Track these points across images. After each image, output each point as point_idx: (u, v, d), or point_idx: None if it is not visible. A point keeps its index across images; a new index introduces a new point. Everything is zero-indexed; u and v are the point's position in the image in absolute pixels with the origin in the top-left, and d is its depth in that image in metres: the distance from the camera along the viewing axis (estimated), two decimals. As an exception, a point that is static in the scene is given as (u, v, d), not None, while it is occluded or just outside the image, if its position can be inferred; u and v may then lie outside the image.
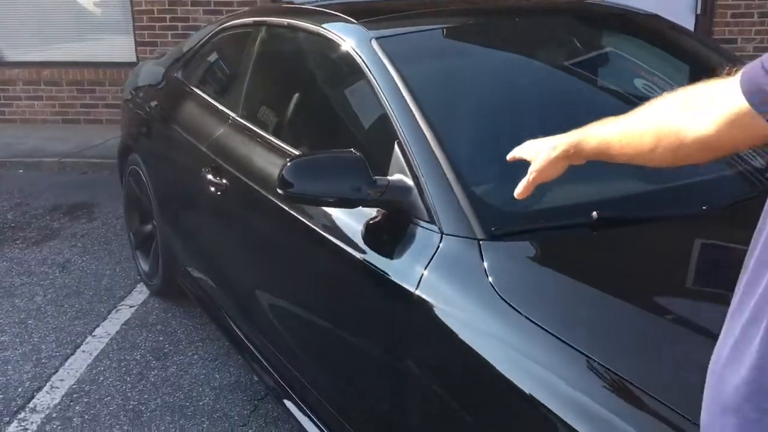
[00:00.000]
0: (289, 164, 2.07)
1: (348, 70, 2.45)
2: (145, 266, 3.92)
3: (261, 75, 2.96)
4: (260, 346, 2.80)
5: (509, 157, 1.59)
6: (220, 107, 3.09)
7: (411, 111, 2.17)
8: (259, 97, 2.97)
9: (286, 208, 2.39)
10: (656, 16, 2.94)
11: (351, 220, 2.19)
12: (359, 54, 2.38)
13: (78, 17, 7.44)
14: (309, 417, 2.46)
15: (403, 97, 2.21)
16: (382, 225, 2.12)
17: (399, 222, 2.08)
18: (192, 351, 3.39)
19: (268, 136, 2.66)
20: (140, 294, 3.94)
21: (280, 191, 2.09)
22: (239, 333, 2.96)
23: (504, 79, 2.43)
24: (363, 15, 2.63)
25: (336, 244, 2.20)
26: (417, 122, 2.14)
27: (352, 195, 2.04)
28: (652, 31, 2.89)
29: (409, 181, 2.05)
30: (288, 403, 2.59)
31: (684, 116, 1.14)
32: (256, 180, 2.59)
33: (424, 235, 1.96)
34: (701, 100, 1.12)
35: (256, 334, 2.83)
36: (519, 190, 1.53)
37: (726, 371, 0.95)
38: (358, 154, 2.07)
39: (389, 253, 2.04)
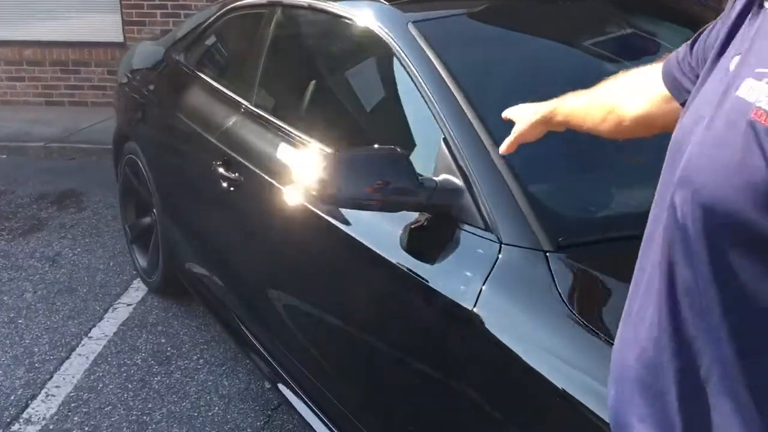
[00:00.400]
0: (327, 163, 1.85)
1: (381, 56, 2.23)
2: (142, 262, 3.69)
3: (277, 61, 2.73)
4: (274, 352, 2.60)
5: (503, 116, 1.62)
6: (231, 95, 2.86)
7: (457, 103, 1.96)
8: (276, 86, 2.74)
9: (312, 207, 2.17)
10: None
11: (387, 223, 1.98)
12: (394, 39, 2.16)
13: (62, -6, 7.12)
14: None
15: (448, 87, 2.00)
16: (425, 230, 1.92)
17: (445, 227, 1.88)
18: (197, 354, 3.18)
19: (288, 128, 2.43)
20: (137, 291, 3.71)
21: (314, 192, 1.87)
22: (250, 336, 2.75)
23: (557, 64, 2.22)
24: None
25: (370, 249, 1.99)
26: (465, 115, 1.93)
27: (396, 197, 1.83)
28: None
29: (459, 183, 1.84)
30: (308, 417, 2.39)
31: (625, 95, 1.29)
32: (275, 175, 2.37)
33: (478, 244, 1.76)
34: (640, 82, 1.26)
35: (270, 339, 2.62)
36: (503, 147, 1.60)
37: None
38: (402, 150, 1.86)
39: (436, 262, 1.83)
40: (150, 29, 6.85)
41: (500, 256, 1.69)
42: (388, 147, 1.88)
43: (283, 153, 2.40)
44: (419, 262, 1.87)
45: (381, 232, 2.00)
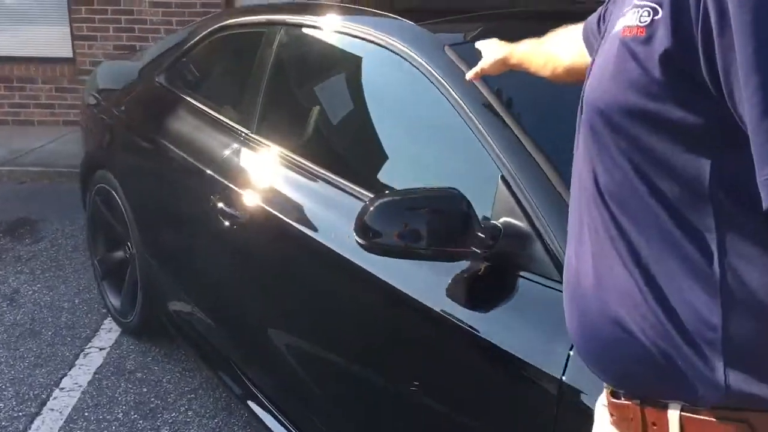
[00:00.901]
0: (373, 207, 1.62)
1: (414, 84, 2.01)
2: (115, 300, 3.37)
3: (283, 85, 2.49)
4: (278, 402, 2.34)
5: (476, 45, 1.75)
6: (227, 121, 2.60)
7: (514, 135, 1.76)
8: (284, 113, 2.48)
9: (340, 252, 1.94)
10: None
11: (432, 271, 1.76)
12: (430, 65, 1.95)
13: (6, 6, 6.69)
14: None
15: (501, 117, 1.79)
16: (482, 280, 1.70)
17: (505, 277, 1.67)
18: (184, 405, 2.88)
19: (306, 162, 2.19)
20: (110, 333, 3.39)
21: (361, 241, 1.64)
22: (248, 383, 2.49)
23: None
24: (413, 16, 2.19)
25: (417, 302, 1.76)
26: (524, 149, 1.73)
27: (454, 245, 1.61)
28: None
29: (527, 227, 1.63)
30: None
31: (561, 46, 1.50)
32: (295, 216, 2.12)
33: (555, 299, 1.54)
34: (572, 37, 1.44)
35: (274, 387, 2.37)
36: (469, 75, 1.75)
37: None
38: (459, 192, 1.64)
39: (503, 319, 1.62)
40: (102, 44, 6.50)
41: (586, 313, 1.48)
42: (444, 187, 1.66)
43: (299, 190, 2.16)
44: (476, 314, 1.66)
45: (423, 279, 1.78)
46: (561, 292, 1.53)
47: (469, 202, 1.63)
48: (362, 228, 1.63)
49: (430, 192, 1.66)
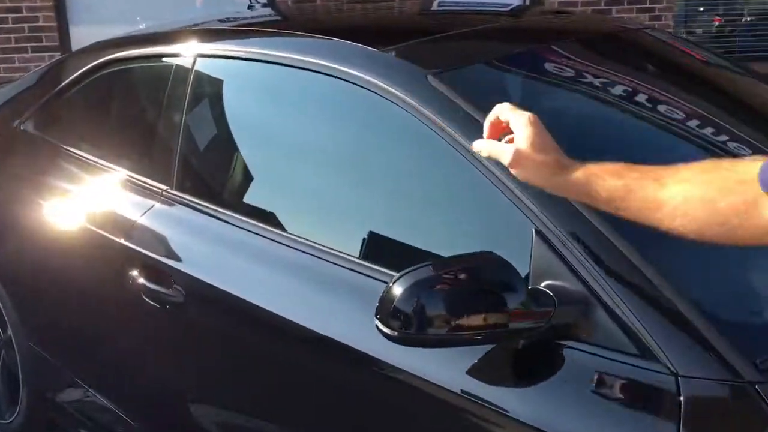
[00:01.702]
0: (404, 287, 1.28)
1: (393, 120, 1.68)
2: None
3: (207, 128, 2.07)
4: None
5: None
6: (135, 176, 2.14)
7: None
8: (213, 162, 2.07)
9: (331, 336, 1.58)
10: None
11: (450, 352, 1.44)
12: (414, 97, 1.62)
13: None
14: None
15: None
16: (526, 357, 1.41)
17: (549, 350, 1.39)
18: None
19: (259, 223, 1.79)
20: (-16, 437, 2.78)
21: (390, 332, 1.30)
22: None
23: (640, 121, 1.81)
24: (367, 37, 1.86)
25: (452, 392, 1.43)
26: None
27: (504, 323, 1.31)
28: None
29: (583, 291, 1.36)
30: None
31: (696, 188, 0.99)
32: (253, 292, 1.73)
33: (636, 377, 1.28)
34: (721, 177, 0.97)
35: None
36: (489, 153, 1.21)
37: None
38: (498, 256, 1.34)
39: (565, 404, 1.33)
40: None
41: (682, 395, 1.23)
42: (481, 253, 1.35)
43: (254, 257, 1.77)
44: (522, 394, 1.37)
45: (437, 360, 1.45)
46: (639, 368, 1.29)
47: (514, 269, 1.33)
48: (392, 315, 1.29)
49: (468, 261, 1.34)
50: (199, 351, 1.91)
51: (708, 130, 1.80)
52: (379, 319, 1.30)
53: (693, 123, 1.84)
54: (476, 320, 1.29)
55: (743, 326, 1.35)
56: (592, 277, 1.35)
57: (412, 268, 1.30)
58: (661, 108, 1.82)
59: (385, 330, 1.30)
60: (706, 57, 2.32)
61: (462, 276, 1.31)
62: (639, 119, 1.81)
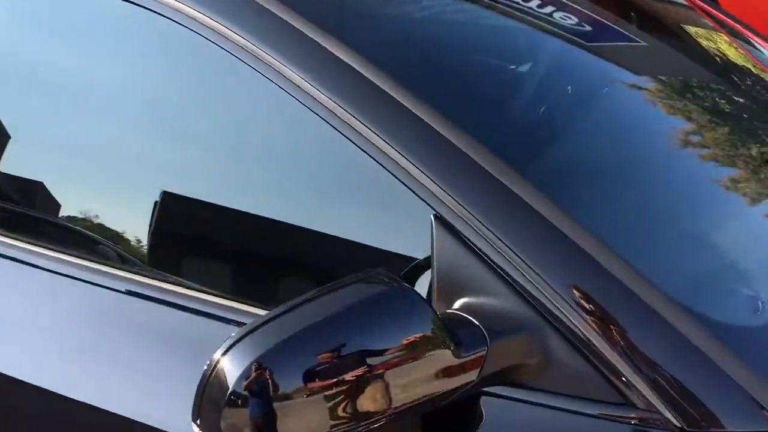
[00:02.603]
0: (238, 356, 0.74)
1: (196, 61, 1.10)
2: None
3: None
4: None
5: None
6: None
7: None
8: None
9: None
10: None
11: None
12: (230, 26, 1.03)
13: None
14: None
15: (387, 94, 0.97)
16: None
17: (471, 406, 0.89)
18: None
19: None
20: None
21: (215, 427, 0.75)
22: None
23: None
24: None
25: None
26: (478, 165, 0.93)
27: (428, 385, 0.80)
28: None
29: (531, 315, 0.86)
30: None
31: None
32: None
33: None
34: None
35: None
36: None
37: None
38: (390, 274, 0.82)
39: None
40: None
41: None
42: (365, 273, 0.81)
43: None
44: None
45: None
46: (625, 423, 0.83)
47: (419, 295, 0.81)
48: (228, 401, 0.73)
49: (344, 292, 0.80)
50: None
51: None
52: (198, 415, 0.74)
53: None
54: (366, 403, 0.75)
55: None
56: (539, 289, 0.85)
57: (256, 320, 0.74)
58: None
59: (205, 429, 0.75)
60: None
61: (344, 319, 0.77)
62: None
